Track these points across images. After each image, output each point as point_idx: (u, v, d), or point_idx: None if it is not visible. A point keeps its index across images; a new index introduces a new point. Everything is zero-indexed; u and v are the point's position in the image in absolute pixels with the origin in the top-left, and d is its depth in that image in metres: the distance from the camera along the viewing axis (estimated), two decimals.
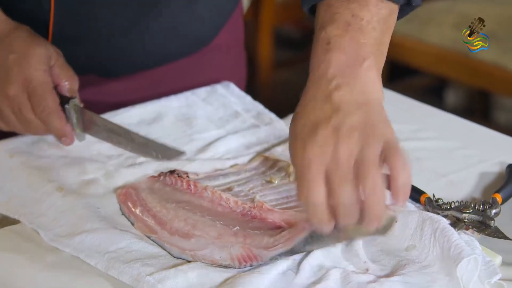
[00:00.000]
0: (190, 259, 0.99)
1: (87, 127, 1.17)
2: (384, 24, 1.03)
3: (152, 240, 1.03)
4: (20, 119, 1.13)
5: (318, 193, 0.91)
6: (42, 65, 1.12)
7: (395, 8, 1.04)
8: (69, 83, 1.15)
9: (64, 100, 1.15)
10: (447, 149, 1.26)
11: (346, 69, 0.98)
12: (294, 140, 0.96)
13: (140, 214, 1.06)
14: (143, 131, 1.20)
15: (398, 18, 1.06)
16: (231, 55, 1.47)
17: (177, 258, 1.00)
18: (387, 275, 0.95)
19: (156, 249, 1.01)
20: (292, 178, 1.12)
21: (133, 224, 1.06)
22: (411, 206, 1.08)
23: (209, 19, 1.35)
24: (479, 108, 3.19)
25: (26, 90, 1.11)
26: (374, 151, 0.92)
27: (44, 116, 1.13)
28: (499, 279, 0.95)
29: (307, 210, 0.92)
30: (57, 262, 1.01)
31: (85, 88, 1.25)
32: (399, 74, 3.21)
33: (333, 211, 0.91)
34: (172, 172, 1.11)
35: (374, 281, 0.94)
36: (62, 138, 1.16)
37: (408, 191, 0.92)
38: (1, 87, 1.12)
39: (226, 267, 0.98)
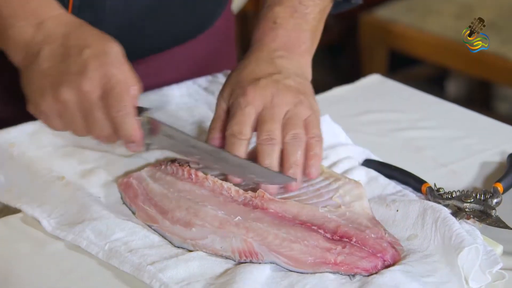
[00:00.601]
0: (191, 248, 0.99)
1: (156, 137, 1.06)
2: (322, 15, 1.18)
3: (153, 230, 1.03)
4: (88, 118, 1.03)
5: (246, 129, 1.04)
6: (122, 63, 1.04)
7: (332, 0, 1.20)
8: (136, 88, 1.04)
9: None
10: (448, 139, 1.26)
11: (288, 47, 1.13)
12: (236, 87, 1.08)
13: (141, 203, 1.06)
14: None
15: (335, 12, 1.22)
16: (227, 42, 1.48)
17: (178, 247, 1.00)
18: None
19: (157, 239, 1.01)
20: None
21: (134, 213, 1.06)
22: (412, 195, 1.08)
23: None
24: (480, 97, 3.19)
25: (102, 87, 1.02)
26: (304, 111, 1.05)
27: (119, 117, 1.02)
28: (500, 269, 0.95)
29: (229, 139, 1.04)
30: (58, 251, 1.01)
31: None
32: (401, 64, 3.21)
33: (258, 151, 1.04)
34: (173, 161, 1.11)
35: None
36: (130, 144, 1.05)
37: (317, 163, 1.05)
38: (74, 82, 1.02)
39: (226, 258, 0.98)
